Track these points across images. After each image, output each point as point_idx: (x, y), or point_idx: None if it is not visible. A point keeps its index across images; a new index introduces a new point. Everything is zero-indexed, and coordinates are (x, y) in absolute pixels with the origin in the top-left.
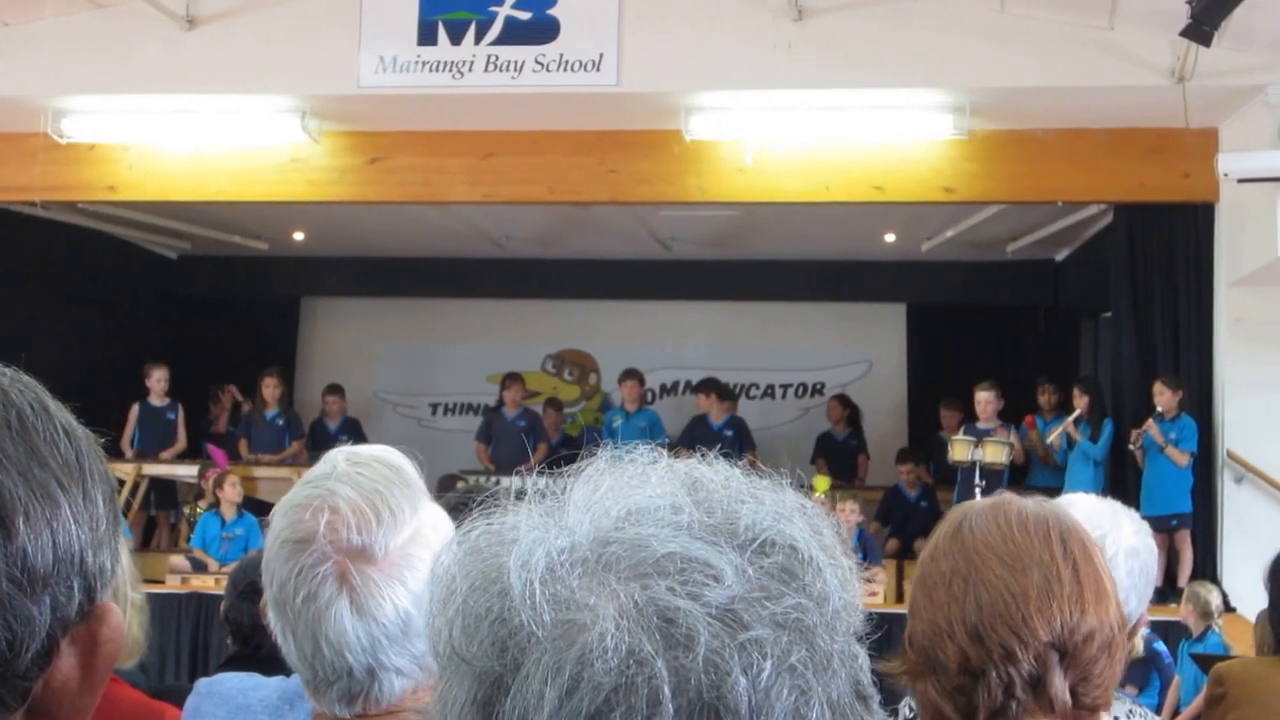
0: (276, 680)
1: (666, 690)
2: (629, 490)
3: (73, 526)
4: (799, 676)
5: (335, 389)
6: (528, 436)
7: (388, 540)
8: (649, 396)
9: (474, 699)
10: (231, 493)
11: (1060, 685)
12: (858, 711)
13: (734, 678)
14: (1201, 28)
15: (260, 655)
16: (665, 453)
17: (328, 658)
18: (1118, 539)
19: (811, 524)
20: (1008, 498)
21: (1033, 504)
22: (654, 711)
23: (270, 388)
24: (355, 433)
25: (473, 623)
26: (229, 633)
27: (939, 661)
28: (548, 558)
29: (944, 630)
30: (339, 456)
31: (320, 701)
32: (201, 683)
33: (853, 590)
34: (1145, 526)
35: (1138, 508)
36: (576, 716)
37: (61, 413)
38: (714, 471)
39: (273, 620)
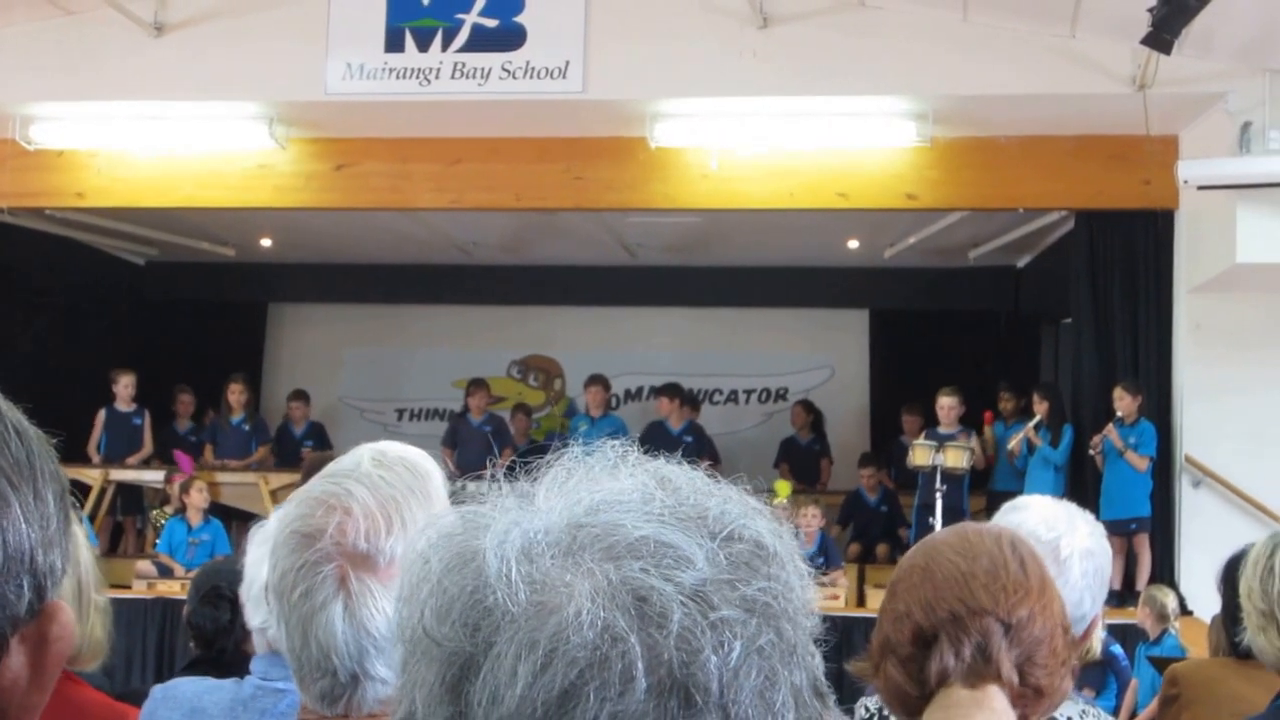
0: (230, 683)
1: (640, 666)
2: (600, 480)
3: (23, 525)
4: (766, 659)
5: (300, 394)
6: (493, 442)
7: (394, 550)
8: (614, 402)
9: (443, 680)
10: (198, 498)
11: (1006, 656)
12: (815, 706)
13: (705, 655)
14: (1162, 36)
15: (223, 659)
16: (632, 450)
17: (314, 656)
18: (1072, 541)
19: (772, 526)
20: (969, 523)
21: (991, 524)
22: (627, 687)
23: (236, 393)
24: (320, 438)
25: (445, 603)
26: (192, 637)
27: (896, 641)
28: (523, 539)
29: (903, 613)
30: (365, 454)
31: (305, 694)
32: (157, 689)
33: (810, 592)
34: (1100, 529)
35: (1097, 512)
36: (550, 692)
37: (12, 412)
38: (681, 470)
39: (270, 604)
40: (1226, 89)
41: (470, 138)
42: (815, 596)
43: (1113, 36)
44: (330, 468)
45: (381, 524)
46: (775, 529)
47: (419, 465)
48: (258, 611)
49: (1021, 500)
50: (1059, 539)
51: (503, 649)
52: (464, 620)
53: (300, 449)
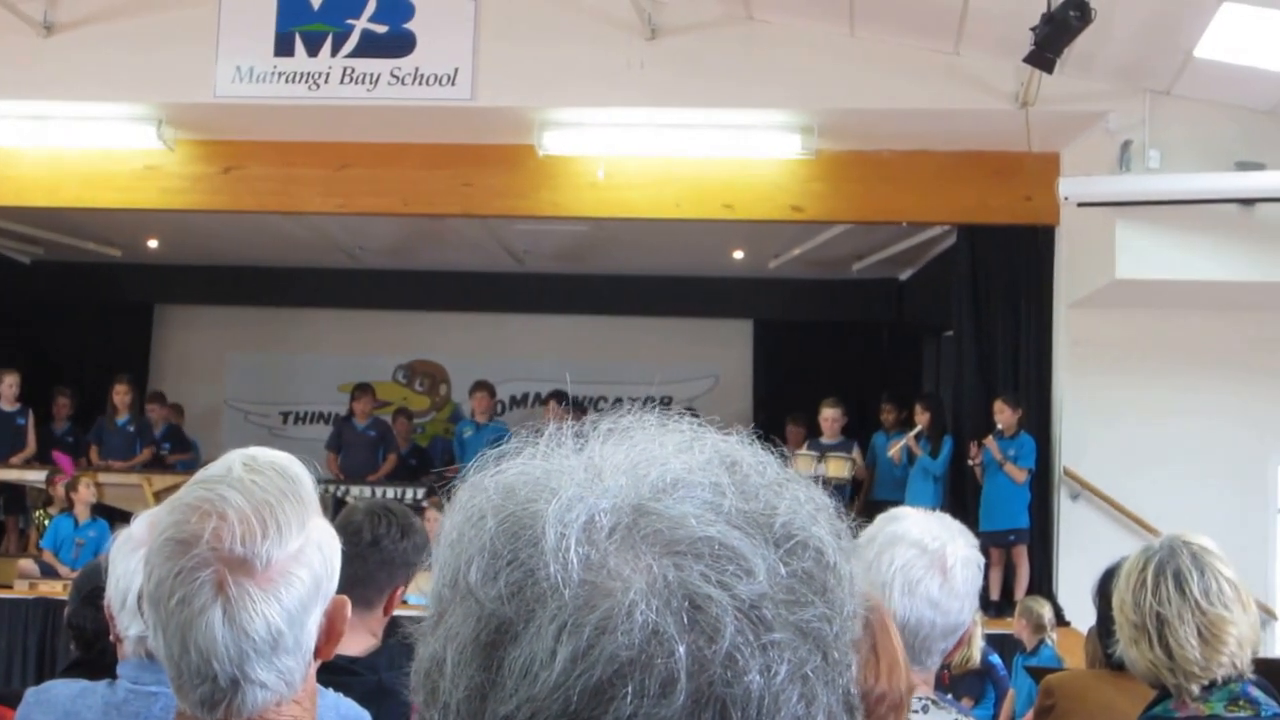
0: (102, 686)
1: (683, 676)
2: (672, 457)
3: None
4: (809, 686)
5: (157, 396)
6: (377, 446)
7: (270, 554)
8: (499, 408)
9: (477, 638)
10: (85, 494)
11: None
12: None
13: (750, 677)
14: (1044, 55)
15: (103, 661)
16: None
17: (194, 662)
18: (954, 550)
19: (833, 525)
20: None
21: None
22: (666, 693)
23: (121, 394)
24: (177, 439)
25: (495, 565)
26: (72, 638)
27: None
28: (587, 516)
29: None
30: (236, 461)
31: (184, 701)
32: (30, 692)
33: (858, 598)
34: (972, 539)
35: (976, 522)
36: (587, 681)
37: None
38: (752, 455)
39: (146, 613)
40: (1107, 108)
41: (359, 143)
42: (860, 607)
43: (996, 54)
44: (201, 474)
45: (257, 528)
46: (837, 531)
47: (289, 470)
48: (135, 621)
49: (898, 511)
50: (944, 547)
51: (542, 624)
52: (508, 584)
53: (158, 451)
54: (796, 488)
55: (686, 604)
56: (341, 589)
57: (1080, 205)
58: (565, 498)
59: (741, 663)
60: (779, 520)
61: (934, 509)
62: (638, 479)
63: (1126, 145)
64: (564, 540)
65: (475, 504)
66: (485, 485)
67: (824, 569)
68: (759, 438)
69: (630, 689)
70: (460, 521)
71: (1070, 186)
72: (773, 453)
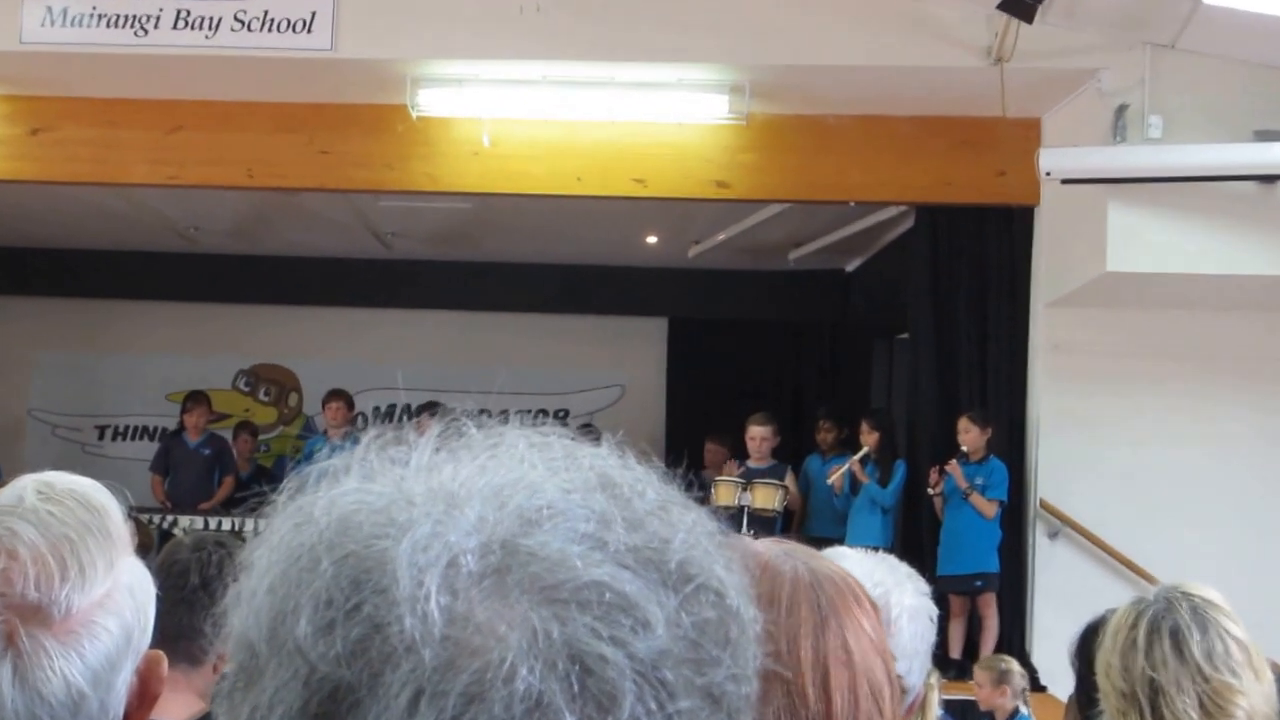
0: None
1: None
2: (541, 478)
3: None
4: None
5: None
6: (213, 468)
7: (71, 600)
8: (359, 422)
9: (306, 707)
10: None
11: None
12: None
13: None
14: (1024, 0)
15: None
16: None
17: None
18: (900, 598)
19: (726, 558)
20: None
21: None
22: None
23: None
24: None
25: (330, 617)
26: None
27: None
28: (449, 558)
29: None
30: (29, 487)
31: None
32: None
33: (759, 646)
34: (923, 584)
35: (934, 565)
36: None
37: None
38: (628, 474)
39: None
40: (1099, 65)
41: (195, 100)
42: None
43: (965, 0)
44: None
45: (55, 569)
46: (730, 565)
47: (92, 499)
48: None
49: (834, 551)
50: (887, 595)
51: (394, 689)
52: (344, 640)
53: None
54: (682, 512)
55: (575, 666)
56: (162, 641)
57: (1065, 182)
58: (419, 535)
59: None
60: (674, 558)
61: (882, 548)
62: (502, 507)
63: (1122, 110)
64: (422, 588)
65: (302, 541)
66: (314, 516)
67: (727, 615)
68: (672, 453)
69: None
70: (283, 561)
71: (1053, 159)
72: (649, 466)
